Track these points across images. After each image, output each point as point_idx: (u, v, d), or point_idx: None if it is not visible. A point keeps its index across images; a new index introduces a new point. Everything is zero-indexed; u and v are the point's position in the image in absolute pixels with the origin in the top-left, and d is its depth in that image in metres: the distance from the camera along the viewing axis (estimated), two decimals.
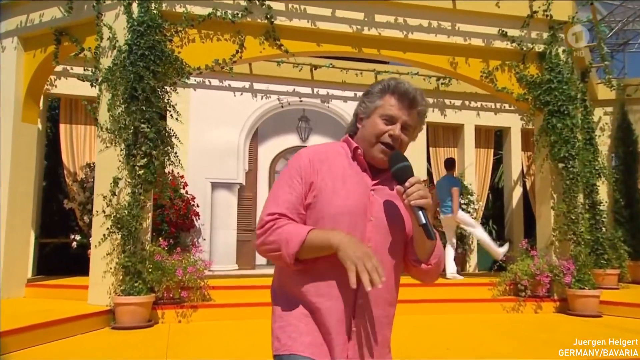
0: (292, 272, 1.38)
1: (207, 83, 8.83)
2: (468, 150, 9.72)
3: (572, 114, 6.52)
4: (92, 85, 5.61)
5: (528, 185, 10.16)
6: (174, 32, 5.74)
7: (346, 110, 9.30)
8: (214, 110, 8.74)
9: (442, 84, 9.43)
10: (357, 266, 1.22)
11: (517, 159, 9.91)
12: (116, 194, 5.30)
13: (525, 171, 10.19)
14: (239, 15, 5.87)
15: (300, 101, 9.19)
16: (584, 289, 6.01)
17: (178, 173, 7.98)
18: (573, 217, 6.32)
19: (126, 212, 5.18)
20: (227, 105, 8.81)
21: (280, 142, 9.37)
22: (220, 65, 5.92)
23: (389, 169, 1.40)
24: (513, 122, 9.81)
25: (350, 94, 9.30)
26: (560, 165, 6.43)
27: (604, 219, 7.79)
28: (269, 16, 5.93)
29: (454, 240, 7.57)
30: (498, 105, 9.80)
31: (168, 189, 6.35)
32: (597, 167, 7.48)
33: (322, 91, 9.27)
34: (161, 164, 5.41)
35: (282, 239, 1.33)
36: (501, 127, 10.09)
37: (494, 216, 10.91)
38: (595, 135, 7.77)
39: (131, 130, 5.31)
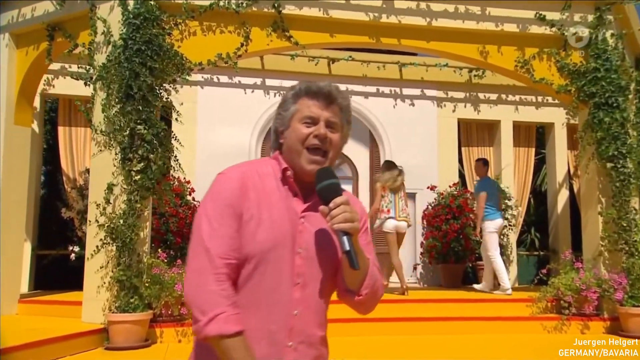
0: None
1: (216, 80, 8.87)
2: (505, 149, 9.49)
3: (623, 107, 6.28)
4: (85, 84, 5.66)
5: (575, 188, 9.86)
6: (173, 25, 5.75)
7: (368, 107, 9.20)
8: (223, 110, 8.76)
9: (474, 76, 9.23)
10: None
11: (562, 158, 9.62)
12: (111, 201, 5.31)
13: (572, 172, 9.89)
14: (244, 4, 5.84)
15: None
16: (638, 306, 5.77)
17: (185, 178, 8.00)
18: (625, 224, 6.08)
19: (121, 221, 5.18)
20: (237, 104, 8.82)
21: None
22: (224, 60, 5.91)
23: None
24: (557, 117, 9.52)
25: (372, 89, 9.20)
26: (609, 165, 6.19)
27: None
28: (276, 5, 5.90)
29: (496, 252, 7.29)
30: (540, 98, 9.55)
31: (170, 195, 6.34)
32: None
33: (341, 87, 9.05)
34: (159, 168, 5.40)
35: (209, 307, 1.28)
36: (543, 122, 9.82)
37: (537, 223, 10.64)
38: None
39: (127, 132, 5.33)
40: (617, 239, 6.10)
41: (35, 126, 7.56)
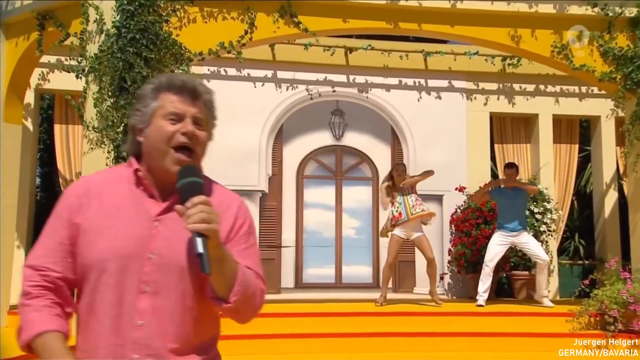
0: None
1: (223, 73, 8.87)
2: (544, 146, 9.28)
3: None
4: (77, 77, 5.70)
5: (626, 189, 9.58)
6: (170, 12, 5.75)
7: (389, 101, 9.09)
8: (231, 105, 8.71)
9: (509, 64, 9.04)
10: None
11: (609, 155, 9.36)
12: None
13: (621, 171, 9.62)
14: None
15: (334, 91, 9.05)
16: None
17: None
18: None
19: None
20: (246, 99, 8.80)
21: (309, 141, 9.24)
22: (226, 49, 5.90)
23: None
24: (604, 109, 9.22)
25: (394, 80, 9.09)
26: None
27: None
28: None
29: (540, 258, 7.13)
30: (584, 88, 9.31)
31: None
32: None
33: (360, 79, 9.10)
34: None
35: (21, 319, 1.38)
36: (588, 115, 9.58)
37: (581, 229, 10.42)
38: None
39: (120, 129, 5.34)
40: None
41: (29, 124, 7.66)
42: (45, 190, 9.44)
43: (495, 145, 9.53)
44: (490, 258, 7.15)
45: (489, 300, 7.73)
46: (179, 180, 1.37)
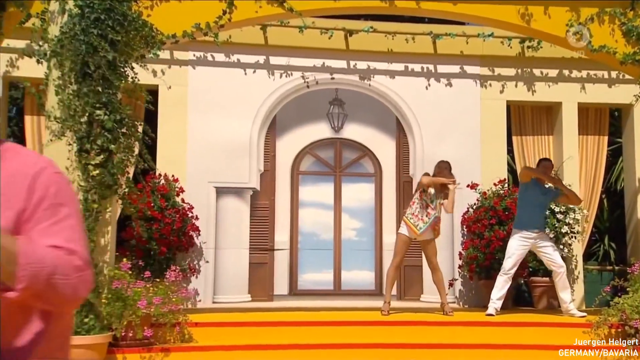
0: None
1: (210, 59, 8.85)
2: (568, 137, 9.14)
3: None
4: (38, 62, 5.73)
5: None
6: None
7: (394, 89, 9.02)
8: (218, 94, 8.75)
9: (528, 47, 8.92)
10: None
11: None
12: None
13: None
14: None
15: (332, 78, 9.00)
16: None
17: (173, 176, 8.04)
18: None
19: None
20: (236, 87, 8.80)
21: (305, 133, 9.23)
22: (202, 31, 5.89)
23: None
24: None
25: (400, 66, 9.02)
26: None
27: None
28: None
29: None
30: (614, 73, 9.15)
31: (144, 195, 6.36)
32: None
33: (361, 64, 9.05)
34: (121, 162, 5.41)
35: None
36: (619, 104, 9.40)
37: (611, 230, 10.27)
38: None
39: (84, 119, 5.36)
40: None
41: None
42: None
43: (513, 138, 9.45)
44: (511, 265, 7.03)
45: (506, 309, 7.65)
46: None
